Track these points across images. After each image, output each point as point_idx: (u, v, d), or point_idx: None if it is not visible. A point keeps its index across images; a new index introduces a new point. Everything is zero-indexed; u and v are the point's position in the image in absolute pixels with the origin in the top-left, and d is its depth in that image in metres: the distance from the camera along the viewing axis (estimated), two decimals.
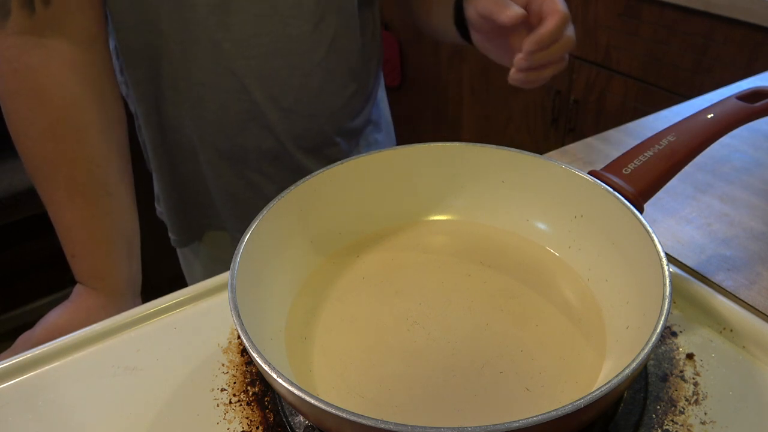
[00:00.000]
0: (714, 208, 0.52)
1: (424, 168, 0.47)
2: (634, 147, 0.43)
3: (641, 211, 0.39)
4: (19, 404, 0.39)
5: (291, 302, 0.41)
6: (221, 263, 0.55)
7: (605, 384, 0.27)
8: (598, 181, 0.40)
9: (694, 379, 0.37)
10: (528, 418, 0.26)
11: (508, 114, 1.76)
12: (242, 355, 0.41)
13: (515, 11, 0.53)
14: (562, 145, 0.79)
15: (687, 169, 0.42)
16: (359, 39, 0.67)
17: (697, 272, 0.45)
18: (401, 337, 0.39)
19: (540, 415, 0.26)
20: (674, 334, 0.40)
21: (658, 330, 0.30)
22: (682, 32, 1.21)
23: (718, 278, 0.44)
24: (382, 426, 0.26)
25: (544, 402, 0.34)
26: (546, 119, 1.62)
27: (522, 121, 1.72)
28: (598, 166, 0.42)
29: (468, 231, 0.47)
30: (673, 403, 0.36)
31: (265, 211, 0.40)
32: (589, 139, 0.64)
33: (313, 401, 0.27)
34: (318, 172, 0.43)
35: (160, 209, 0.76)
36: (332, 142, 0.70)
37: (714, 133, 0.43)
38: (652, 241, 0.35)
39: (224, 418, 0.36)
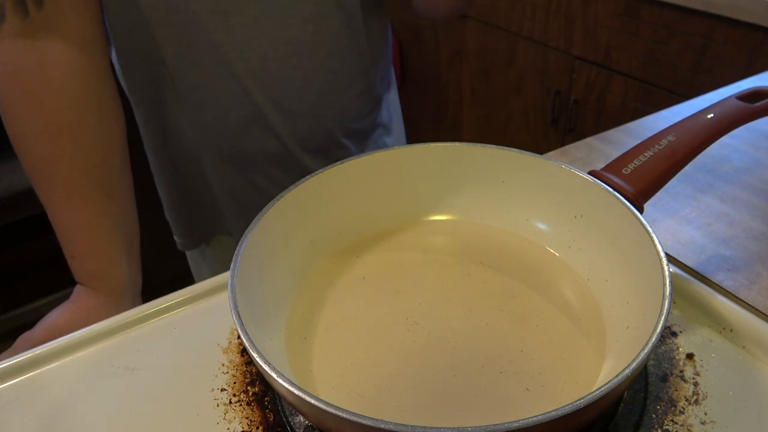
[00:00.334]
0: (714, 208, 0.52)
1: (424, 168, 0.47)
2: (634, 147, 0.43)
3: (641, 211, 0.39)
4: (19, 404, 0.39)
5: (291, 302, 0.41)
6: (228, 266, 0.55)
7: (605, 384, 0.27)
8: (598, 181, 0.40)
9: (694, 379, 0.37)
10: (528, 418, 0.26)
11: (508, 114, 1.76)
12: (242, 355, 0.41)
13: None
14: (562, 145, 0.79)
15: (687, 169, 0.42)
16: (364, 39, 0.66)
17: (697, 272, 0.45)
18: (401, 337, 0.39)
19: (540, 415, 0.26)
20: (674, 334, 0.40)
21: (658, 330, 0.30)
22: (681, 32, 1.21)
23: (718, 278, 0.44)
24: (382, 426, 0.26)
25: (544, 402, 0.34)
26: (546, 119, 1.62)
27: (522, 121, 1.72)
28: (598, 166, 0.42)
29: (468, 231, 0.47)
30: (673, 403, 0.36)
31: (265, 211, 0.40)
32: (589, 139, 0.63)
33: (313, 401, 0.27)
34: (318, 172, 0.43)
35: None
36: (340, 144, 0.69)
37: (714, 133, 0.43)
38: (652, 241, 0.35)
39: (224, 418, 0.36)
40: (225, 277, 0.47)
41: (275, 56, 0.61)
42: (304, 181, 0.43)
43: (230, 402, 0.37)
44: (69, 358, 0.42)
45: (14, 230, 1.39)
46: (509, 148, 0.45)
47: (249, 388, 0.38)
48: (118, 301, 0.55)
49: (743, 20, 1.09)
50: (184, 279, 0.81)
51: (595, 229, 0.42)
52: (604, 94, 1.43)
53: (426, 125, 2.14)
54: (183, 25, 0.58)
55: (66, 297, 0.55)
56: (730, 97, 0.45)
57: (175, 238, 0.76)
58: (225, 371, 0.40)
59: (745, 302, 0.42)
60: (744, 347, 0.39)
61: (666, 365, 0.38)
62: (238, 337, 0.42)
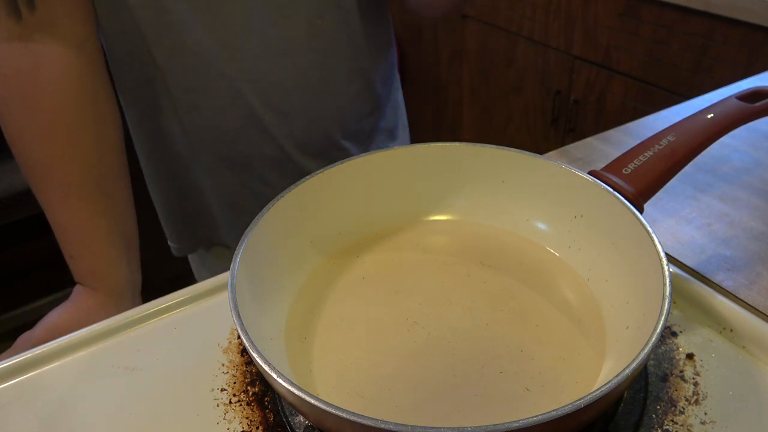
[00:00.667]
0: (714, 208, 0.52)
1: (424, 168, 0.47)
2: (634, 147, 0.43)
3: (641, 211, 0.39)
4: (19, 404, 0.39)
5: (291, 302, 0.41)
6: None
7: (605, 384, 0.27)
8: (598, 181, 0.40)
9: (694, 379, 0.37)
10: (528, 418, 0.26)
11: (508, 114, 1.76)
12: (242, 355, 0.41)
13: None
14: (562, 145, 0.79)
15: (687, 169, 0.42)
16: (362, 37, 0.64)
17: (697, 272, 0.45)
18: (401, 337, 0.39)
19: (540, 415, 0.26)
20: (674, 334, 0.40)
21: (658, 330, 0.30)
22: (682, 32, 1.21)
23: (718, 278, 0.44)
24: (382, 426, 0.26)
25: (544, 402, 0.34)
26: (546, 119, 1.62)
27: (522, 121, 1.72)
28: (598, 166, 0.42)
29: (468, 231, 0.47)
30: (673, 403, 0.36)
31: (265, 211, 0.40)
32: (589, 139, 0.63)
33: (313, 401, 0.27)
34: (318, 172, 0.43)
35: None
36: (339, 146, 0.68)
37: (714, 133, 0.43)
38: (652, 241, 0.35)
39: (224, 418, 0.36)
40: (225, 277, 0.47)
41: (267, 55, 0.60)
42: (304, 181, 0.43)
43: (230, 402, 0.37)
44: (69, 358, 0.42)
45: (14, 230, 1.39)
46: (509, 148, 0.45)
47: (249, 388, 0.38)
48: (118, 301, 0.55)
49: (743, 20, 1.09)
50: (185, 278, 0.81)
51: (595, 229, 0.42)
52: (604, 94, 1.43)
53: (426, 125, 2.14)
54: (173, 25, 0.57)
55: (66, 297, 0.55)
56: (730, 97, 0.45)
57: (170, 243, 0.75)
58: (225, 371, 0.40)
59: (745, 302, 0.42)
60: (744, 347, 0.39)
61: (666, 365, 0.38)
62: (238, 337, 0.42)
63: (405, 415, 0.34)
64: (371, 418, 0.26)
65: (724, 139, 0.44)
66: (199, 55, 0.58)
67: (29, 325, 0.53)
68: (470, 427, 0.26)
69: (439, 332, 0.39)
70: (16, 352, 0.42)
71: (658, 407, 0.35)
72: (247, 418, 0.36)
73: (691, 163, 0.42)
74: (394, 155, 0.46)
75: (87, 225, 0.54)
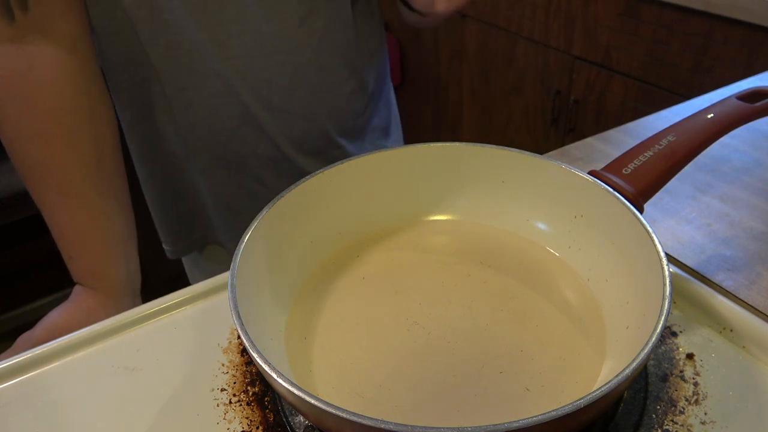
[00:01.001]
0: (714, 208, 0.52)
1: (424, 168, 0.47)
2: (634, 147, 0.43)
3: (641, 211, 0.39)
4: (19, 404, 0.39)
5: (291, 302, 0.41)
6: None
7: (605, 384, 0.27)
8: (598, 181, 0.40)
9: (694, 379, 0.37)
10: (528, 418, 0.26)
11: (508, 114, 1.76)
12: (242, 355, 0.41)
13: None
14: (562, 145, 0.79)
15: (687, 169, 0.42)
16: (354, 34, 0.64)
17: (697, 272, 0.45)
18: (401, 337, 0.39)
19: (540, 415, 0.26)
20: (674, 334, 0.40)
21: (658, 330, 0.30)
22: (682, 32, 1.21)
23: (718, 278, 0.44)
24: (382, 426, 0.26)
25: (544, 402, 0.34)
26: (546, 119, 1.62)
27: (522, 121, 1.72)
28: (598, 166, 0.42)
29: (468, 231, 0.47)
30: (673, 403, 0.36)
31: (265, 212, 0.40)
32: (589, 139, 0.64)
33: (313, 401, 0.27)
34: (318, 172, 0.43)
35: None
36: (336, 144, 0.68)
37: (714, 133, 0.43)
38: (652, 241, 0.35)
39: (224, 418, 0.36)
40: (225, 277, 0.47)
41: (261, 53, 0.59)
42: (304, 181, 0.43)
43: (230, 402, 0.37)
44: (69, 358, 0.42)
45: (14, 230, 1.39)
46: (509, 148, 0.45)
47: (249, 388, 0.38)
48: (118, 301, 0.55)
49: (743, 20, 1.09)
50: (182, 279, 0.81)
51: (595, 229, 0.42)
52: (604, 94, 1.43)
53: (426, 125, 2.14)
54: (167, 24, 0.56)
55: (66, 297, 0.55)
56: (730, 97, 0.45)
57: (164, 246, 0.75)
58: (225, 371, 0.40)
59: (745, 302, 0.42)
60: (744, 347, 0.39)
61: (666, 365, 0.38)
62: (238, 337, 0.42)
63: (405, 415, 0.34)
64: (371, 418, 0.26)
65: (724, 139, 0.44)
66: (194, 53, 0.58)
67: (29, 325, 0.53)
68: (470, 427, 0.26)
69: (439, 332, 0.39)
70: (16, 353, 0.42)
71: (658, 407, 0.35)
72: (247, 418, 0.36)
73: (691, 163, 0.42)
74: (394, 155, 0.46)
75: (85, 225, 0.54)
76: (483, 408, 0.34)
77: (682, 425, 0.34)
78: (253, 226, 0.38)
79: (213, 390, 0.38)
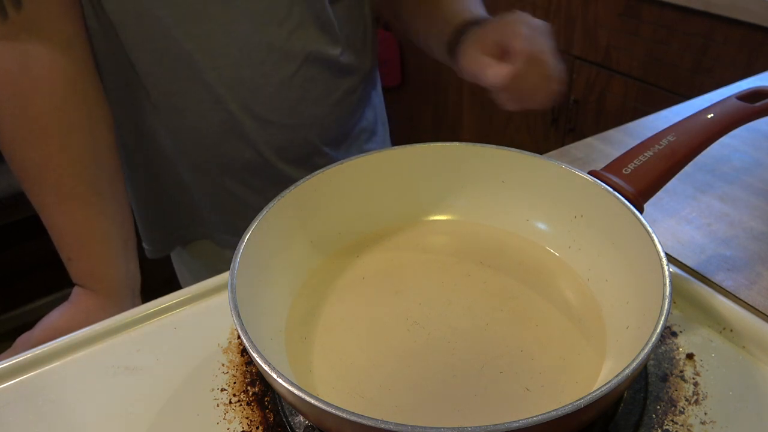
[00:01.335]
0: (714, 208, 0.52)
1: (424, 168, 0.47)
2: (634, 147, 0.43)
3: (641, 211, 0.39)
4: (19, 404, 0.39)
5: (291, 302, 0.41)
6: (212, 271, 0.53)
7: (605, 384, 0.27)
8: (598, 181, 0.40)
9: (694, 379, 0.37)
10: (528, 418, 0.26)
11: (508, 114, 1.76)
12: (242, 355, 0.41)
13: (498, 72, 0.52)
14: (562, 145, 0.79)
15: (687, 169, 0.42)
16: (343, 44, 0.64)
17: (697, 272, 0.45)
18: (401, 337, 0.39)
19: (540, 415, 0.26)
20: (674, 334, 0.40)
21: (658, 330, 0.30)
22: (682, 32, 1.21)
23: (718, 278, 0.44)
24: (382, 426, 0.26)
25: (544, 402, 0.34)
26: (546, 119, 1.62)
27: (522, 121, 1.72)
28: (598, 166, 0.42)
29: (468, 231, 0.47)
30: (673, 403, 0.36)
31: (265, 211, 0.40)
32: (589, 139, 0.64)
33: (313, 401, 0.27)
34: (318, 172, 0.43)
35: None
36: (320, 152, 0.68)
37: (714, 133, 0.43)
38: (652, 241, 0.35)
39: (224, 418, 0.36)
40: (225, 277, 0.47)
41: (248, 63, 0.59)
42: (304, 181, 0.43)
43: (230, 402, 0.37)
44: (69, 358, 0.42)
45: (14, 230, 1.39)
46: (509, 148, 0.45)
47: (249, 388, 0.38)
48: (117, 301, 0.55)
49: (743, 20, 1.09)
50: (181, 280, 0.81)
51: (595, 229, 0.42)
52: (604, 94, 1.43)
53: (426, 125, 2.14)
54: (152, 30, 0.56)
55: (66, 297, 0.55)
56: (730, 97, 0.45)
57: (144, 245, 0.74)
58: (225, 371, 0.40)
59: (745, 302, 0.42)
60: (744, 347, 0.39)
61: (666, 365, 0.38)
62: (238, 337, 0.42)
63: (405, 415, 0.34)
64: (371, 418, 0.26)
65: (724, 139, 0.44)
66: (180, 61, 0.58)
67: (29, 325, 0.53)
68: (470, 427, 0.26)
69: (439, 332, 0.39)
70: (16, 353, 0.42)
71: (658, 407, 0.35)
72: (247, 418, 0.36)
73: (691, 163, 0.42)
74: (394, 155, 0.46)
75: (83, 226, 0.53)
76: (483, 408, 0.34)
77: (682, 425, 0.34)
78: (253, 226, 0.38)
79: (213, 390, 0.38)
